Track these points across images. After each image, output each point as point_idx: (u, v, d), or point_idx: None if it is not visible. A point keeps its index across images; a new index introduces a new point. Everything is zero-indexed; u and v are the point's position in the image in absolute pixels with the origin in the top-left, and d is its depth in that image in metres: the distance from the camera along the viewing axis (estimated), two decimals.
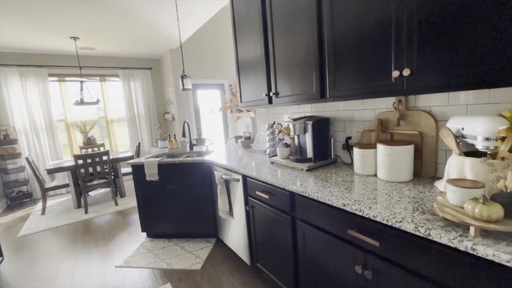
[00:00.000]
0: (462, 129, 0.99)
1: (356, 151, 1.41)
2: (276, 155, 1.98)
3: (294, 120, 1.71)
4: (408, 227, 0.83)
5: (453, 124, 1.03)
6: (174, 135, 2.89)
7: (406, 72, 1.02)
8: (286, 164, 1.74)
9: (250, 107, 2.17)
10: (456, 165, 0.94)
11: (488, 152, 0.89)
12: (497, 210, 0.70)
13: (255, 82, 1.99)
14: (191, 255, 2.25)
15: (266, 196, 1.52)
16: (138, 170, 2.42)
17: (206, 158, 2.30)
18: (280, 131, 2.00)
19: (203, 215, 2.41)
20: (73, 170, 3.51)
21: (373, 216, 0.93)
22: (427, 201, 0.99)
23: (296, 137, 1.80)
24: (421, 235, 0.80)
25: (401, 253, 0.88)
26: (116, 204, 3.68)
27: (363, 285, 1.04)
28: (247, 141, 2.71)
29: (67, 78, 4.60)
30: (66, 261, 2.33)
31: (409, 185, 1.19)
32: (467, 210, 0.75)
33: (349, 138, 1.65)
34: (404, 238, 0.86)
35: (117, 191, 4.09)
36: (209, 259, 2.18)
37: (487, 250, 0.66)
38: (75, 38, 3.70)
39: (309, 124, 1.64)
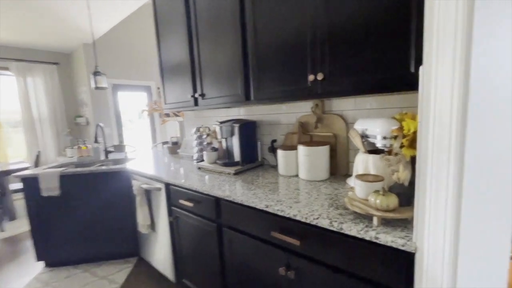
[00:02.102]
0: (366, 130, 1.10)
1: (280, 153, 1.44)
2: (203, 160, 1.88)
3: (221, 123, 1.66)
4: (324, 223, 0.85)
5: (359, 126, 1.15)
6: (84, 141, 2.46)
7: (320, 76, 1.08)
8: (213, 169, 1.66)
9: (175, 109, 2.01)
10: (362, 162, 1.04)
11: (386, 149, 1.01)
12: (393, 200, 0.78)
13: (180, 83, 1.86)
14: (104, 281, 1.91)
15: (191, 204, 1.40)
16: (31, 185, 1.94)
17: (124, 166, 2.02)
18: (208, 135, 1.91)
19: (121, 232, 2.10)
20: None
21: (293, 215, 0.94)
22: (340, 197, 1.06)
23: (223, 140, 1.74)
24: (335, 229, 0.83)
25: (320, 249, 0.90)
26: (2, 230, 2.90)
27: (287, 286, 1.03)
28: (174, 147, 2.52)
29: None
30: None
31: (326, 183, 1.27)
32: (370, 202, 0.82)
33: (274, 141, 1.69)
34: (321, 234, 0.89)
35: (5, 213, 3.24)
36: (128, 282, 1.89)
37: (387, 237, 0.72)
38: None
39: (236, 127, 1.60)
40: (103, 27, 3.40)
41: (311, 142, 1.44)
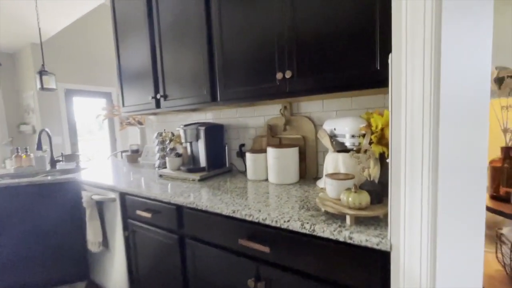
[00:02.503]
0: (335, 129, 1.08)
1: (248, 156, 1.37)
2: (166, 168, 1.73)
3: (186, 125, 1.54)
4: (295, 225, 0.79)
5: (328, 126, 1.13)
6: (26, 149, 2.14)
7: (288, 74, 1.05)
8: (176, 176, 1.52)
9: (135, 113, 1.85)
10: (332, 161, 1.01)
11: (354, 148, 1.00)
12: (365, 197, 0.75)
13: (141, 83, 1.72)
14: None
15: (149, 215, 1.25)
16: None
17: (73, 176, 1.78)
18: (171, 140, 1.77)
19: (68, 253, 1.82)
20: None
21: (262, 219, 0.86)
22: (311, 199, 1.01)
23: (188, 145, 1.62)
24: (307, 231, 0.77)
25: (291, 255, 0.83)
26: None
27: None
28: (134, 155, 2.32)
29: None
30: None
31: (296, 186, 1.22)
32: (342, 201, 0.78)
33: (242, 145, 1.62)
34: (292, 238, 0.82)
35: None
36: None
37: (361, 237, 0.68)
38: None
39: (202, 130, 1.50)
40: (54, 25, 3.11)
41: (280, 144, 1.39)
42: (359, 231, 0.70)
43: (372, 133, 0.89)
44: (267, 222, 0.85)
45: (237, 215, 0.92)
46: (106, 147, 4.79)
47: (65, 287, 1.87)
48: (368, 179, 0.82)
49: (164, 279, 1.29)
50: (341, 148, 1.09)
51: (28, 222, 1.73)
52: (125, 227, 1.45)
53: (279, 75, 1.08)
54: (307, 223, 0.77)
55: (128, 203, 1.41)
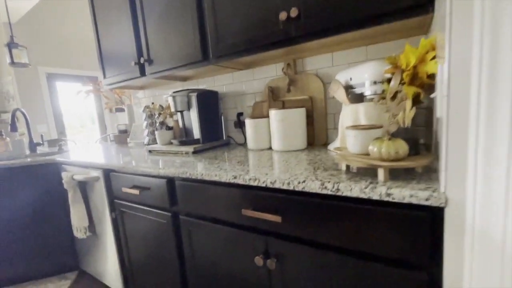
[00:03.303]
0: (351, 79, 0.91)
1: (248, 123, 1.20)
2: (156, 144, 1.55)
3: (175, 92, 1.35)
4: (313, 186, 0.63)
5: (342, 76, 0.95)
6: (1, 131, 1.93)
7: (294, 12, 0.86)
8: (167, 150, 1.35)
9: (118, 85, 1.64)
10: (350, 114, 0.84)
11: (376, 97, 0.83)
12: (402, 145, 0.59)
13: (121, 47, 1.51)
14: None
15: (136, 192, 1.08)
16: None
17: (52, 158, 1.59)
18: (160, 113, 1.59)
19: (54, 242, 1.66)
20: None
21: (270, 182, 0.70)
22: (326, 161, 0.85)
23: (179, 116, 1.44)
24: (330, 192, 0.61)
25: (308, 225, 0.67)
26: None
27: (267, 279, 0.79)
28: (122, 136, 2.13)
29: None
30: None
31: (304, 152, 1.05)
32: (372, 153, 0.62)
33: (240, 114, 1.44)
34: (309, 203, 0.66)
35: None
36: None
37: (403, 192, 0.52)
38: None
39: (193, 96, 1.32)
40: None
41: (284, 107, 1.22)
42: (399, 185, 0.54)
43: (403, 72, 0.71)
44: (277, 185, 0.69)
45: (239, 181, 0.76)
46: (98, 136, 4.57)
47: (53, 278, 1.72)
48: (402, 125, 0.66)
49: (159, 263, 1.14)
50: (358, 101, 0.92)
51: (6, 210, 1.55)
52: (112, 208, 1.29)
53: (282, 15, 0.89)
54: (328, 182, 0.61)
55: (113, 181, 1.24)
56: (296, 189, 0.66)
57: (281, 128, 1.09)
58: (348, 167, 0.71)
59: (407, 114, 0.64)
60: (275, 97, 1.29)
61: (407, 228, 0.54)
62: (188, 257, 1.01)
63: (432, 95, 0.67)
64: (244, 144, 1.44)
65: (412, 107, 0.63)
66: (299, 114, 1.08)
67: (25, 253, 1.62)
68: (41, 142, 2.03)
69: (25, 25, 3.47)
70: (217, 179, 0.81)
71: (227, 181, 0.79)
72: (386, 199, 0.54)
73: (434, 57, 0.67)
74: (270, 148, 1.20)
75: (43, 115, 3.79)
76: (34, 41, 3.62)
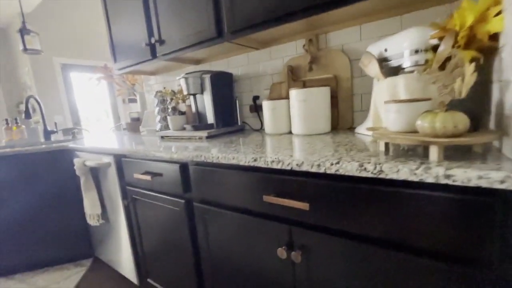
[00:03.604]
0: (385, 50, 0.80)
1: (266, 105, 1.11)
2: (169, 130, 1.49)
3: (188, 74, 1.27)
4: (349, 168, 0.54)
5: (375, 48, 0.84)
6: (16, 119, 1.93)
7: None
8: (180, 136, 1.28)
9: (129, 70, 1.59)
10: (387, 89, 0.73)
11: (419, 68, 0.71)
12: (462, 118, 0.48)
13: (131, 30, 1.44)
14: None
15: (149, 178, 1.02)
16: None
17: (65, 144, 1.57)
18: (172, 98, 1.52)
19: (68, 229, 1.65)
20: None
21: (297, 164, 0.61)
22: (358, 143, 0.75)
23: (192, 100, 1.37)
24: (370, 174, 0.51)
25: (339, 213, 0.59)
26: None
27: (290, 273, 0.71)
28: (135, 123, 2.08)
29: None
30: None
31: (328, 135, 0.96)
32: (422, 128, 0.51)
33: (256, 97, 1.35)
34: (344, 189, 0.57)
35: None
36: None
37: (468, 173, 0.42)
38: None
39: (207, 78, 1.24)
40: None
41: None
42: (460, 166, 0.44)
43: (456, 34, 0.60)
44: (304, 168, 0.60)
45: (260, 164, 0.68)
46: (111, 123, 4.61)
47: (70, 265, 1.73)
48: (457, 96, 0.55)
49: (173, 253, 1.09)
50: (394, 75, 0.81)
51: (23, 197, 1.55)
52: (124, 195, 1.25)
53: None
54: (368, 162, 0.52)
55: (125, 168, 1.19)
56: (328, 171, 0.57)
57: (302, 110, 0.99)
58: (387, 148, 0.61)
59: (466, 81, 0.53)
60: (295, 77, 1.19)
61: (469, 218, 0.44)
62: (203, 247, 0.95)
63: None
64: (260, 130, 1.35)
65: (473, 72, 0.52)
66: (323, 94, 0.98)
67: (41, 240, 1.62)
68: (55, 130, 2.02)
69: (37, 16, 3.48)
70: (234, 162, 0.73)
71: (246, 163, 0.70)
72: (444, 181, 0.44)
73: (498, 13, 0.55)
74: (290, 133, 1.11)
75: (59, 106, 3.83)
76: (48, 32, 3.63)
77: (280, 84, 1.23)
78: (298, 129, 1.02)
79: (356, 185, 0.55)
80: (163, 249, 1.13)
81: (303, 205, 0.61)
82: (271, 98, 1.26)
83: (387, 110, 0.61)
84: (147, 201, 1.12)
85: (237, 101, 1.41)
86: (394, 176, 0.49)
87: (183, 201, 0.96)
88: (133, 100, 3.15)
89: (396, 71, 0.79)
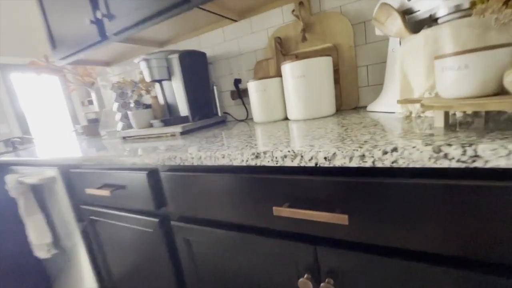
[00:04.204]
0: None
1: (252, 86, 0.89)
2: (132, 129, 1.21)
3: (149, 54, 1.00)
4: (418, 156, 0.34)
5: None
6: None
7: None
8: (147, 134, 1.02)
9: (74, 58, 1.27)
10: (424, 46, 0.54)
11: (459, 15, 0.53)
12: None
13: (70, 6, 1.12)
14: None
15: (107, 193, 0.76)
16: None
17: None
18: (133, 90, 1.24)
19: (18, 266, 1.32)
20: None
21: (325, 157, 0.40)
22: (386, 123, 0.56)
23: (158, 89, 1.10)
24: (455, 164, 0.32)
25: (400, 225, 0.39)
26: None
27: None
28: (92, 126, 1.75)
29: None
30: None
31: (337, 118, 0.76)
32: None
33: (238, 81, 1.12)
34: (406, 188, 0.37)
35: None
36: None
37: None
38: None
39: (175, 59, 0.98)
40: None
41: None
42: None
43: None
44: (338, 162, 0.39)
45: (266, 161, 0.46)
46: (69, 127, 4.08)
47: None
48: None
49: (150, 283, 0.84)
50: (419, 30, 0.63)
51: None
52: (79, 217, 0.97)
53: None
54: (449, 145, 0.32)
55: (75, 181, 0.91)
56: (379, 164, 0.37)
57: (301, 88, 0.78)
58: (447, 122, 0.42)
59: None
60: (285, 51, 0.97)
61: None
62: (190, 280, 0.72)
63: None
64: (246, 120, 1.13)
65: None
66: (325, 66, 0.78)
67: None
68: None
69: None
70: (225, 163, 0.51)
71: (244, 163, 0.48)
72: None
73: None
74: (286, 119, 0.90)
75: (1, 114, 3.28)
76: None
77: (267, 61, 1.02)
78: (296, 113, 0.82)
79: (427, 182, 0.36)
80: (138, 279, 0.88)
81: (340, 218, 0.40)
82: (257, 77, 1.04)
83: (443, 68, 0.43)
84: (109, 223, 0.86)
85: (215, 87, 1.16)
86: (501, 163, 0.30)
87: (156, 219, 0.72)
88: (92, 102, 2.76)
89: (421, 26, 0.61)
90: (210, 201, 0.59)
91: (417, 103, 0.52)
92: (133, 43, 1.15)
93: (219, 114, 1.20)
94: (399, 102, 0.56)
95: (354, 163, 0.38)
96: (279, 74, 0.89)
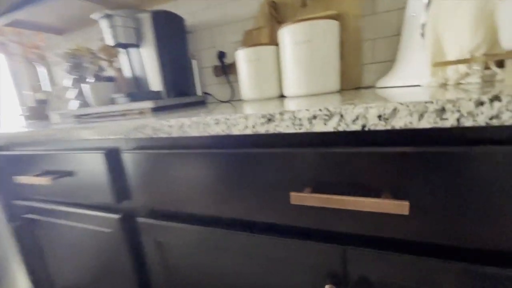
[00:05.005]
0: None
1: (243, 55, 0.74)
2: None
3: (114, 10, 0.80)
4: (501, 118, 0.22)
5: None
6: None
7: None
8: (108, 112, 0.82)
9: (7, 16, 1.00)
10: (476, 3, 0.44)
11: None
12: None
13: None
14: None
15: (47, 181, 0.56)
16: None
17: None
18: (91, 61, 1.01)
19: None
20: None
21: (381, 116, 0.27)
22: (429, 93, 0.45)
23: (124, 58, 0.90)
24: None
25: (476, 218, 0.27)
26: None
27: None
28: (41, 107, 1.46)
29: None
30: None
31: (345, 96, 0.64)
32: None
33: (222, 54, 0.96)
34: (498, 164, 0.25)
35: None
36: None
37: None
38: None
39: (146, 19, 0.80)
40: None
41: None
42: None
43: None
44: (400, 122, 0.26)
45: (283, 127, 0.32)
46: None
47: None
48: None
49: None
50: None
51: None
52: (11, 215, 0.74)
53: None
54: None
55: (3, 169, 0.68)
56: (468, 123, 0.24)
57: (304, 56, 0.65)
58: None
59: None
60: (281, 19, 0.83)
61: None
62: None
63: None
64: (231, 101, 0.97)
65: None
66: (331, 32, 0.66)
67: None
68: None
69: None
70: (220, 132, 0.35)
71: (250, 130, 0.34)
72: None
73: None
74: (282, 96, 0.77)
75: None
76: None
77: (258, 30, 0.87)
78: (295, 88, 0.69)
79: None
80: None
81: (399, 206, 0.27)
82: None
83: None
84: (53, 222, 0.65)
85: (194, 61, 0.99)
86: None
87: (117, 216, 0.54)
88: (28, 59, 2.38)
89: None
90: (193, 188, 0.43)
91: (463, 64, 0.41)
92: (89, 1, 0.93)
93: (199, 93, 1.03)
94: (436, 65, 0.45)
95: (427, 122, 0.25)
96: (272, 42, 0.75)
